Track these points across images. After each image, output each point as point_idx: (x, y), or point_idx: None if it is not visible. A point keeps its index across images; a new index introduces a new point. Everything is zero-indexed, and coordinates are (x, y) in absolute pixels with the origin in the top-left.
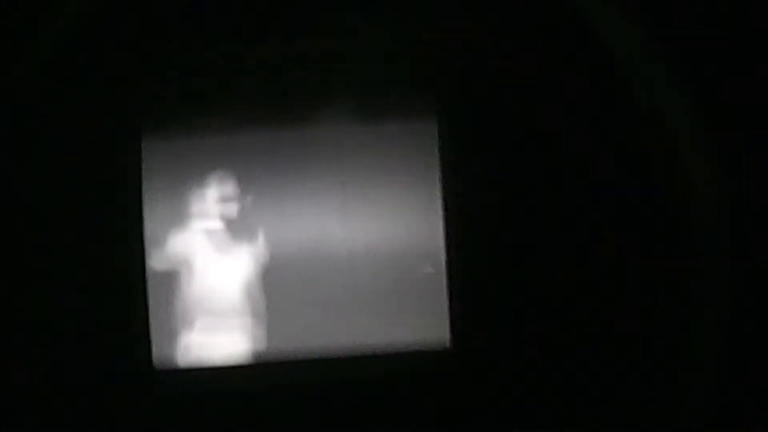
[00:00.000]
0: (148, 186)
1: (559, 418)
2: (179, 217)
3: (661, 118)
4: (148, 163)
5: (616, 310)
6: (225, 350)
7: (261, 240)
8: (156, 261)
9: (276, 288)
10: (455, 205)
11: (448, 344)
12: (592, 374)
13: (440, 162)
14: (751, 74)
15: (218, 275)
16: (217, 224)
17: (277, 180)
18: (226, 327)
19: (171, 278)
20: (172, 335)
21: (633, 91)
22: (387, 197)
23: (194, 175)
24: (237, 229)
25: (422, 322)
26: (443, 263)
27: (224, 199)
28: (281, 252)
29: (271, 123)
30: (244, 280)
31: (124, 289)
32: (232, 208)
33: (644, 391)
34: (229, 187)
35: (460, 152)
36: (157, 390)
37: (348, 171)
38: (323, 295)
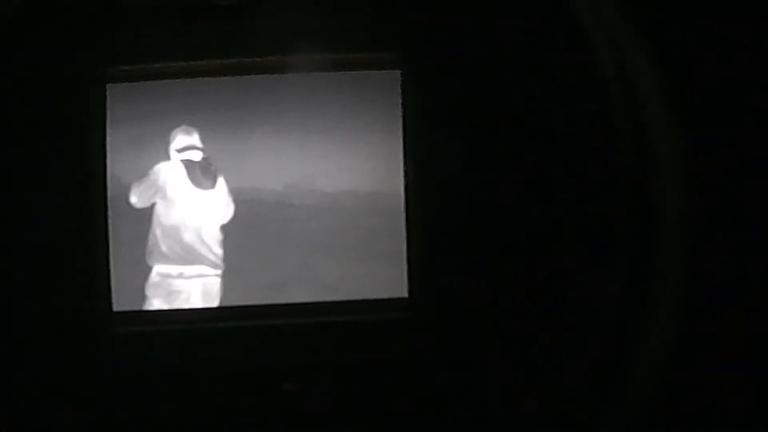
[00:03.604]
0: (112, 130)
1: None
2: (143, 161)
3: (627, 87)
4: (112, 106)
5: (571, 260)
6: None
7: (222, 187)
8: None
9: (238, 235)
10: (416, 155)
11: (405, 293)
12: (544, 326)
13: (402, 112)
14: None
15: (178, 220)
16: (180, 172)
17: (239, 127)
18: (185, 273)
19: (135, 221)
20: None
21: (601, 55)
22: (349, 146)
23: (158, 119)
24: (199, 176)
25: (380, 271)
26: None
27: (187, 149)
28: (243, 199)
29: (234, 70)
30: (205, 227)
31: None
32: (195, 156)
33: (596, 342)
34: (193, 137)
35: (422, 103)
36: (115, 331)
37: (311, 120)
38: (283, 243)
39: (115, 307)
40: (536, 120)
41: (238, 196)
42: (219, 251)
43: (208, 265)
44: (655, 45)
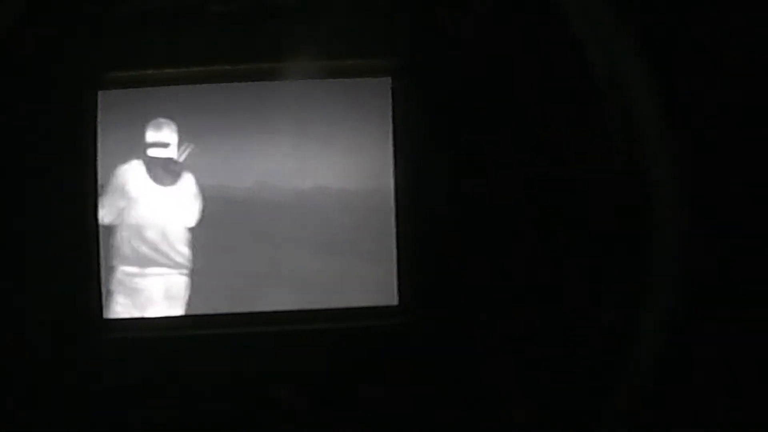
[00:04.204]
0: (104, 136)
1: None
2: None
3: (619, 89)
4: (104, 112)
5: (564, 265)
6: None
7: (187, 184)
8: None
9: (208, 234)
10: (406, 161)
11: (396, 301)
12: (540, 332)
13: (393, 119)
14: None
15: (141, 219)
16: (141, 169)
17: (230, 133)
18: (146, 271)
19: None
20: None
21: (593, 65)
22: (339, 151)
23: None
24: (161, 172)
25: (370, 278)
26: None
27: (153, 145)
28: (231, 202)
29: (226, 77)
30: (169, 226)
31: (77, 240)
32: (162, 153)
33: (593, 348)
34: (161, 133)
35: (413, 110)
36: (106, 338)
37: (302, 125)
38: (259, 242)
39: (105, 314)
40: (529, 125)
41: (208, 193)
42: (185, 250)
43: (172, 264)
44: (649, 51)
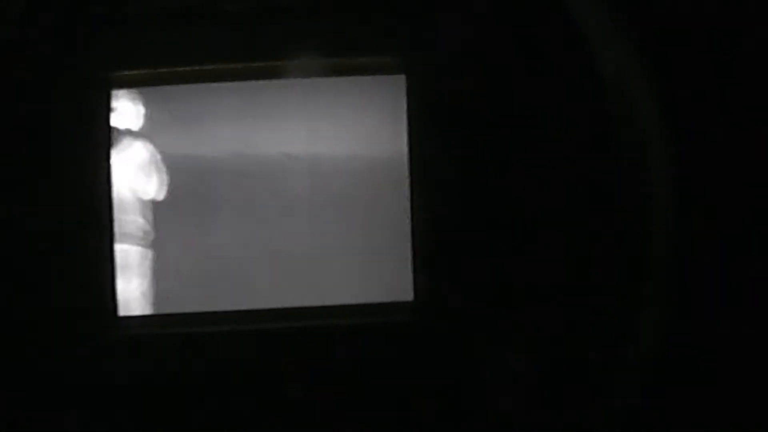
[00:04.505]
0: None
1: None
2: None
3: (622, 90)
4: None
5: (577, 256)
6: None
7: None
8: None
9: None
10: (421, 160)
11: (411, 297)
12: (553, 328)
13: (407, 117)
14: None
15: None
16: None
17: (246, 132)
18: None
19: None
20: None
21: (598, 65)
22: (353, 148)
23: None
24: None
25: (385, 275)
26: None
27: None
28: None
29: (239, 75)
30: (141, 200)
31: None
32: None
33: (605, 342)
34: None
35: (427, 107)
36: (120, 336)
37: (316, 123)
38: (287, 246)
39: (120, 312)
40: (539, 122)
41: (183, 164)
42: (140, 222)
43: (126, 238)
44: (649, 52)
